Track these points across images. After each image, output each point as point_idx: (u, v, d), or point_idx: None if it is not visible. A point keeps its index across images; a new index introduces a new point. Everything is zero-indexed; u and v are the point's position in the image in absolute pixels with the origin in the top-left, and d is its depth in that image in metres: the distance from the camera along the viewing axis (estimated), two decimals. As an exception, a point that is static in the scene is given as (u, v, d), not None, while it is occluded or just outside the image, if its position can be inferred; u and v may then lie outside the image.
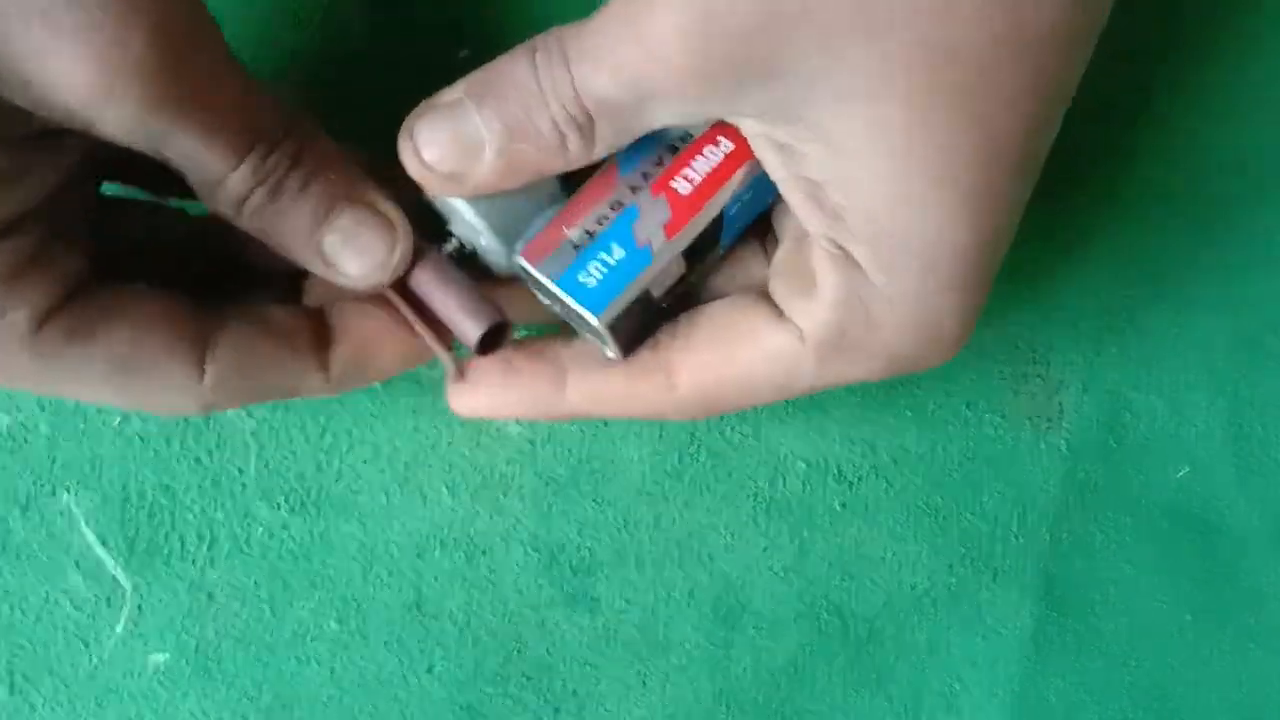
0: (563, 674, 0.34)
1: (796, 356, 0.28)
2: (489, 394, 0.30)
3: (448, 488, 0.34)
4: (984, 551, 0.36)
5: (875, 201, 0.26)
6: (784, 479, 0.35)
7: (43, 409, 0.32)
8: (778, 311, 0.29)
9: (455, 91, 0.27)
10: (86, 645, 0.32)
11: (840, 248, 0.27)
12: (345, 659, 0.33)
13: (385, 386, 0.33)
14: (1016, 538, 0.36)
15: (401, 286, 0.29)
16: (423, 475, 0.33)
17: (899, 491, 0.35)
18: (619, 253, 0.29)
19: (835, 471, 0.35)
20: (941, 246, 0.26)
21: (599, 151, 0.27)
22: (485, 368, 0.30)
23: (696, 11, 0.24)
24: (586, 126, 0.26)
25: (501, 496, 0.34)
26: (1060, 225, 0.36)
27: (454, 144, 0.27)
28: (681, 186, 0.29)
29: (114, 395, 0.26)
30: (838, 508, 0.35)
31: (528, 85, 0.26)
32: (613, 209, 0.29)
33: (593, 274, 0.28)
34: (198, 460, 0.33)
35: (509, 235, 0.28)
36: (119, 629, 0.32)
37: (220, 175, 0.25)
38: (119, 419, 0.33)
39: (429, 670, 0.33)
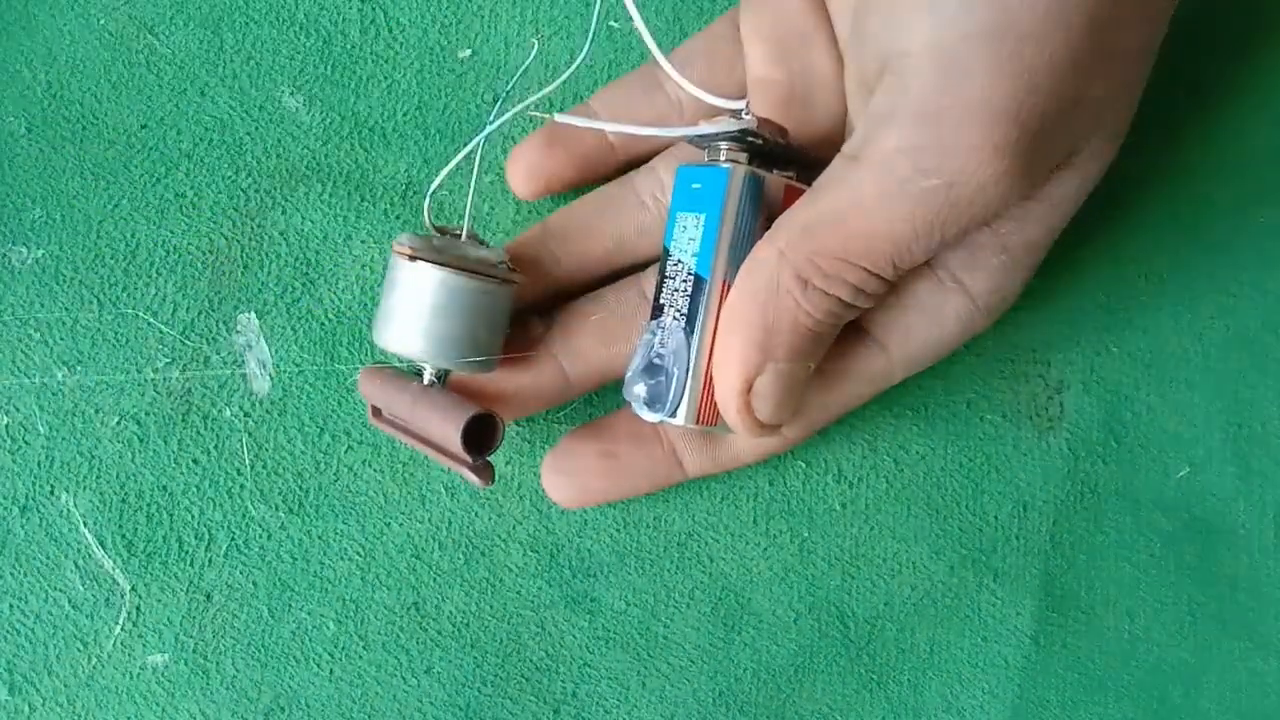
0: (562, 674, 0.34)
1: (891, 375, 0.30)
2: (603, 486, 0.31)
3: (446, 488, 0.33)
4: (984, 551, 0.35)
5: (1027, 236, 0.28)
6: (784, 479, 0.35)
7: (42, 409, 0.32)
8: (871, 340, 0.30)
9: (778, 365, 0.27)
10: (85, 646, 0.32)
11: (957, 279, 0.28)
12: (344, 660, 0.33)
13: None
14: (1016, 538, 0.36)
15: (403, 417, 0.29)
16: (421, 475, 0.33)
17: (899, 491, 0.35)
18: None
19: (835, 471, 0.35)
20: (1045, 250, 0.29)
21: None
22: (586, 464, 0.31)
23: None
24: (885, 286, 0.27)
25: (501, 497, 0.34)
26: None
27: (801, 397, 0.28)
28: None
29: None
30: (838, 508, 0.35)
31: (838, 315, 0.27)
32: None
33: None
34: (196, 461, 0.33)
35: (470, 353, 0.29)
36: (118, 629, 0.32)
37: None
38: (117, 419, 0.33)
39: (428, 671, 0.33)
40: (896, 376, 0.31)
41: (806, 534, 0.35)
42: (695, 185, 0.28)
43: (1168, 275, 0.36)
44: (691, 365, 0.27)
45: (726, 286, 0.27)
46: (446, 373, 0.29)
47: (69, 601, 0.32)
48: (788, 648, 0.35)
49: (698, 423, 0.28)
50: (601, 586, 0.34)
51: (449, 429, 0.27)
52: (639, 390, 0.28)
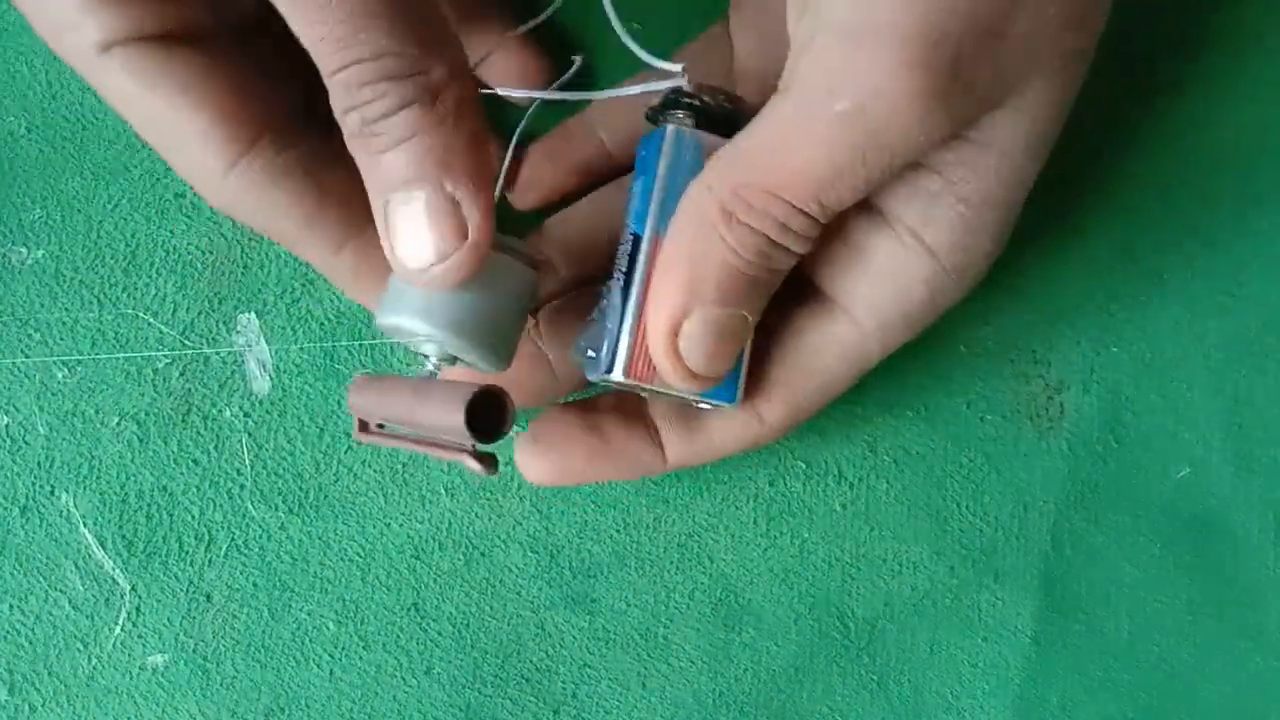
0: (562, 675, 0.34)
1: (866, 348, 0.29)
2: (583, 464, 0.30)
3: (446, 489, 0.33)
4: (984, 552, 0.35)
5: (980, 186, 0.26)
6: (784, 479, 0.35)
7: (41, 410, 0.32)
8: (837, 309, 0.29)
9: (708, 309, 0.26)
10: (85, 646, 0.32)
11: (916, 235, 0.27)
12: (344, 660, 0.33)
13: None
14: (1017, 538, 0.36)
15: (401, 415, 0.27)
16: (421, 476, 0.33)
17: (899, 492, 0.35)
18: None
19: (835, 472, 0.35)
20: (1010, 208, 0.27)
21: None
22: (570, 434, 0.30)
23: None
24: (820, 227, 0.26)
25: (501, 497, 0.34)
26: (1060, 225, 0.36)
27: (734, 347, 0.27)
28: None
29: (155, 144, 0.26)
30: (838, 508, 0.35)
31: (767, 254, 0.26)
32: None
33: None
34: (195, 461, 0.33)
35: (488, 336, 0.27)
36: (118, 630, 0.32)
37: (324, 70, 0.23)
38: (117, 419, 0.33)
39: (428, 672, 0.33)
40: (872, 351, 0.29)
41: (807, 534, 0.35)
42: (643, 153, 0.29)
43: (1168, 275, 0.36)
44: (626, 319, 0.27)
45: (660, 241, 0.27)
46: (453, 361, 0.27)
47: (69, 602, 0.32)
48: (788, 648, 0.35)
49: (631, 376, 0.27)
50: (601, 587, 0.34)
51: (451, 411, 0.24)
52: (581, 347, 0.28)
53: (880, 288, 0.28)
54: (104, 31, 0.24)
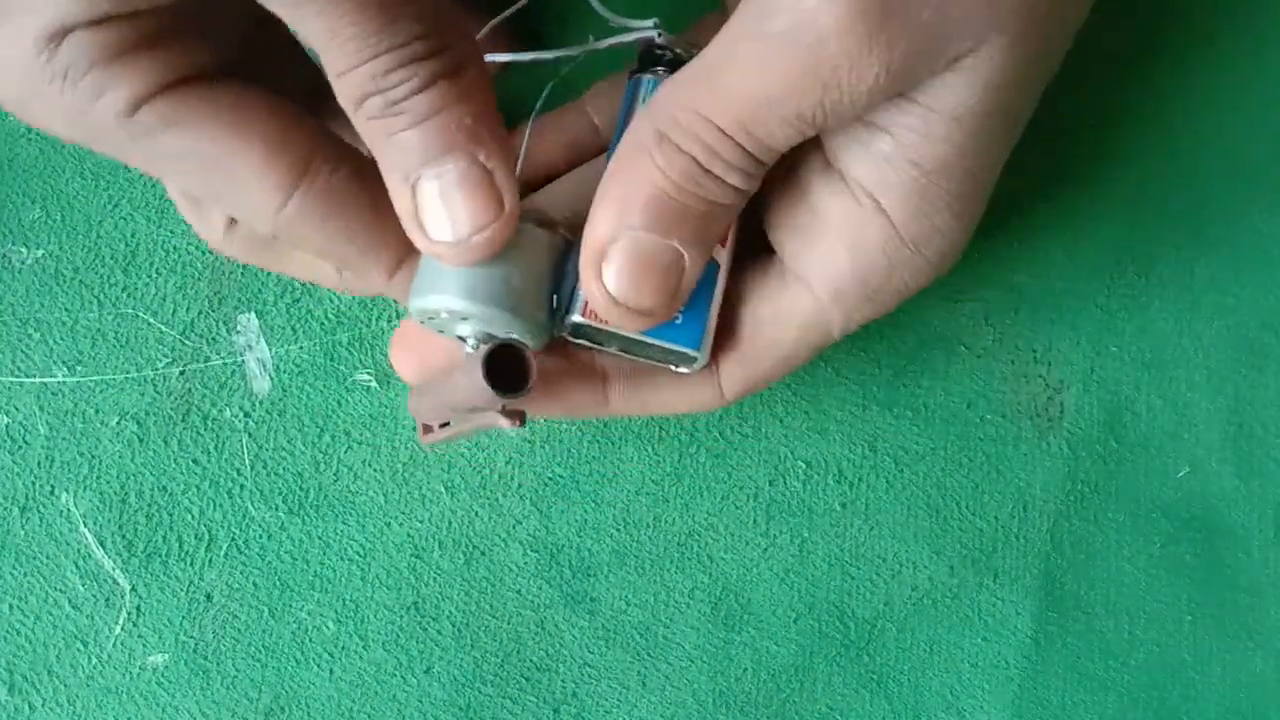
0: (562, 674, 0.34)
1: (824, 318, 0.28)
2: (529, 405, 0.29)
3: (446, 488, 0.33)
4: (984, 551, 0.35)
5: (933, 152, 0.25)
6: (784, 479, 0.35)
7: (41, 410, 0.32)
8: (791, 276, 0.28)
9: (635, 232, 0.25)
10: (85, 646, 0.32)
11: (872, 197, 0.26)
12: (344, 660, 0.33)
13: (382, 385, 0.33)
14: (1017, 538, 0.36)
15: (442, 398, 0.27)
16: (421, 475, 0.33)
17: (899, 491, 0.35)
18: None
19: (835, 471, 0.35)
20: (975, 181, 0.26)
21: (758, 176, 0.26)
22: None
23: None
24: (759, 169, 0.25)
25: (501, 497, 0.34)
26: (1060, 226, 0.36)
27: (664, 280, 0.26)
28: None
29: (200, 188, 0.25)
30: (838, 508, 0.35)
31: (696, 180, 0.25)
32: None
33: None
34: (195, 461, 0.33)
35: (530, 308, 0.26)
36: (118, 629, 0.32)
37: (340, 69, 0.23)
38: (117, 419, 0.33)
39: (428, 671, 0.33)
40: (831, 322, 0.28)
41: (807, 534, 0.35)
42: (622, 112, 0.28)
43: (1168, 275, 0.36)
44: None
45: None
46: (489, 338, 0.26)
47: (69, 601, 0.32)
48: (788, 647, 0.35)
49: (586, 316, 0.26)
50: (601, 586, 0.34)
51: (472, 371, 0.24)
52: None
53: (836, 253, 0.27)
54: (138, 85, 0.23)
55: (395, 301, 0.33)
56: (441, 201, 0.24)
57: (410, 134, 0.23)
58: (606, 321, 0.26)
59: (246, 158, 0.24)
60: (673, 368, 0.28)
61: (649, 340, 0.27)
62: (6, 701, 0.32)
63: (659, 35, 0.27)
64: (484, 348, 0.24)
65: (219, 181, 0.25)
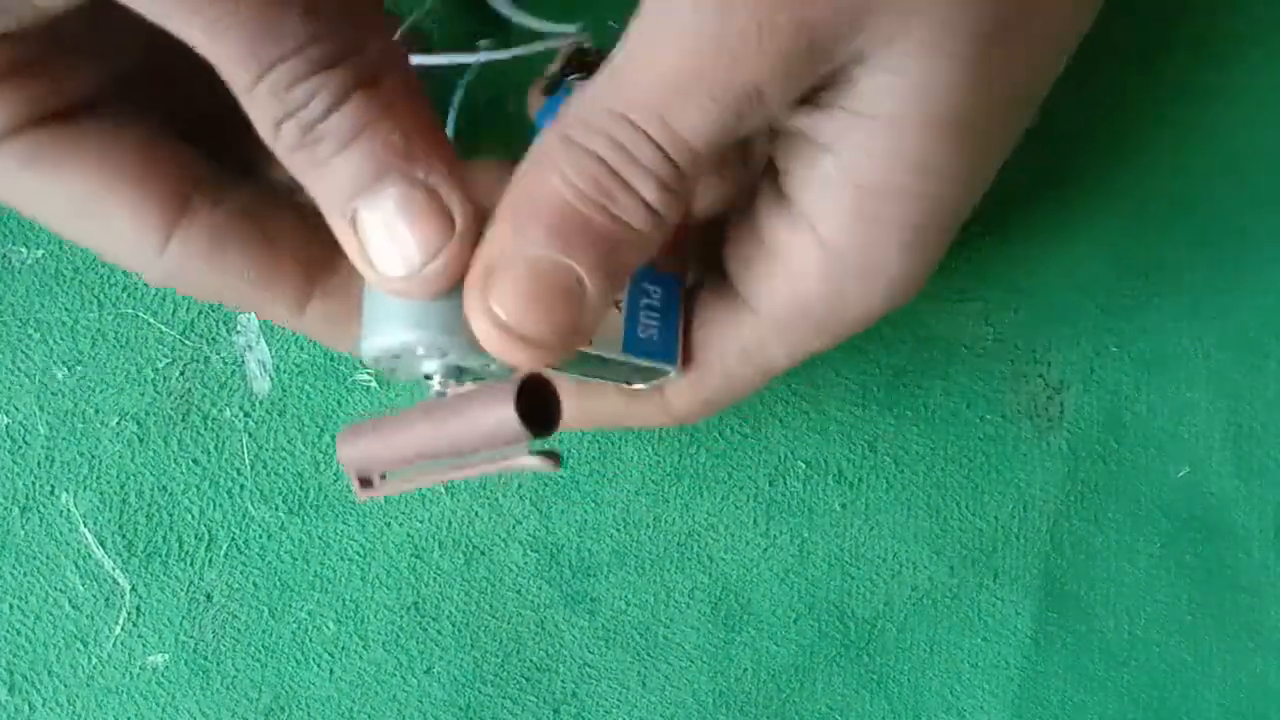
0: (562, 674, 0.34)
1: (766, 348, 0.26)
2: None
3: (446, 488, 0.34)
4: (984, 551, 0.35)
5: (876, 171, 0.23)
6: (784, 479, 0.35)
7: (42, 410, 0.32)
8: (739, 301, 0.27)
9: (530, 248, 0.22)
10: (85, 646, 0.32)
11: (813, 226, 0.24)
12: (344, 660, 0.33)
13: (382, 385, 0.33)
14: (1017, 538, 0.36)
15: (420, 446, 0.23)
16: (422, 475, 0.33)
17: (899, 491, 0.35)
18: (656, 293, 0.26)
19: (835, 471, 0.35)
20: (929, 207, 0.24)
21: (685, 200, 0.23)
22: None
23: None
24: (679, 182, 0.22)
25: (501, 497, 0.34)
26: (1060, 225, 0.36)
27: (560, 306, 0.22)
28: None
29: (74, 234, 0.23)
30: (838, 508, 0.35)
31: (605, 189, 0.22)
32: None
33: (648, 325, 0.26)
34: (196, 461, 0.33)
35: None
36: (118, 629, 0.32)
37: (239, 86, 0.20)
38: (117, 419, 0.33)
39: (428, 671, 0.33)
40: (775, 354, 0.27)
41: (806, 534, 0.35)
42: (541, 123, 0.27)
43: (1168, 275, 0.36)
44: None
45: None
46: (459, 376, 0.24)
47: (69, 601, 0.32)
48: (787, 647, 0.35)
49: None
50: (601, 586, 0.34)
51: (497, 408, 0.21)
52: None
53: (778, 283, 0.26)
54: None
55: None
56: (386, 232, 0.21)
57: (335, 161, 0.21)
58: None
59: (118, 198, 0.23)
60: (627, 384, 0.27)
61: (622, 358, 0.25)
62: (6, 701, 0.32)
63: (584, 42, 0.26)
64: (516, 377, 0.21)
65: (92, 226, 0.23)
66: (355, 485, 0.24)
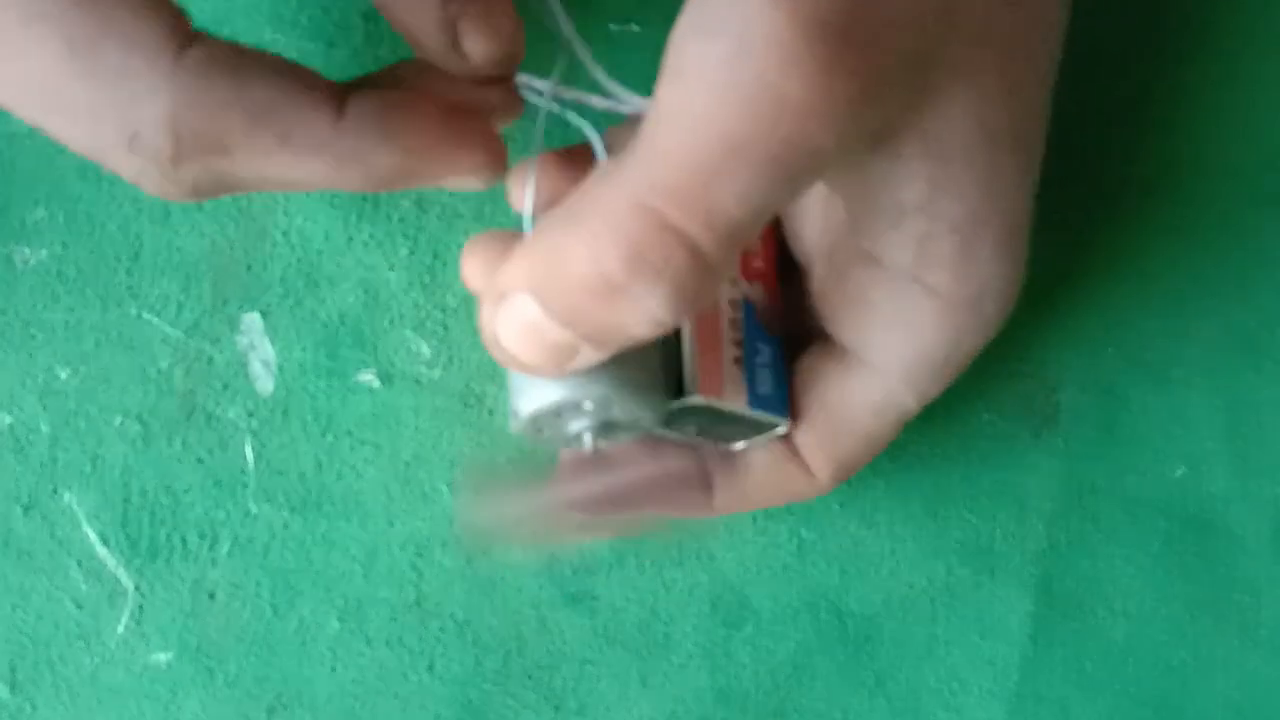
0: (563, 673, 0.34)
1: (897, 399, 0.27)
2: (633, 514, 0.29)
3: (449, 487, 0.34)
4: (983, 551, 0.36)
5: (965, 205, 0.24)
6: (783, 478, 0.35)
7: (45, 409, 0.32)
8: (855, 360, 0.27)
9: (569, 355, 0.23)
10: (88, 645, 0.32)
11: (919, 279, 0.25)
12: (346, 657, 0.33)
13: (385, 385, 0.33)
14: (1015, 537, 0.36)
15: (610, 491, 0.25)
16: (424, 474, 0.33)
17: (897, 490, 0.35)
18: (766, 351, 0.27)
19: (834, 471, 0.35)
20: (1008, 222, 0.25)
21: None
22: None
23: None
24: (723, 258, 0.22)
25: (502, 496, 0.34)
26: (1057, 226, 0.36)
27: (550, 355, 0.23)
28: (755, 262, 0.28)
29: (250, 126, 0.22)
30: (836, 507, 0.35)
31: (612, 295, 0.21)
32: (734, 309, 0.27)
33: (765, 381, 0.27)
34: (199, 460, 0.33)
35: (646, 375, 0.24)
36: (120, 628, 0.32)
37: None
38: (121, 419, 0.33)
39: (429, 669, 0.33)
40: (907, 401, 0.27)
41: (805, 532, 0.35)
42: None
43: (1163, 275, 0.36)
44: (686, 347, 0.27)
45: None
46: (608, 432, 0.24)
47: (72, 600, 0.32)
48: (786, 645, 0.35)
49: (702, 393, 0.26)
50: (602, 584, 0.34)
51: (671, 458, 0.23)
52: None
53: (895, 336, 0.26)
54: None
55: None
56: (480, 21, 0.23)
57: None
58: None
59: (294, 88, 0.22)
60: (726, 443, 0.28)
61: (739, 411, 0.26)
62: (9, 700, 0.32)
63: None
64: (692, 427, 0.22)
65: (274, 114, 0.22)
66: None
